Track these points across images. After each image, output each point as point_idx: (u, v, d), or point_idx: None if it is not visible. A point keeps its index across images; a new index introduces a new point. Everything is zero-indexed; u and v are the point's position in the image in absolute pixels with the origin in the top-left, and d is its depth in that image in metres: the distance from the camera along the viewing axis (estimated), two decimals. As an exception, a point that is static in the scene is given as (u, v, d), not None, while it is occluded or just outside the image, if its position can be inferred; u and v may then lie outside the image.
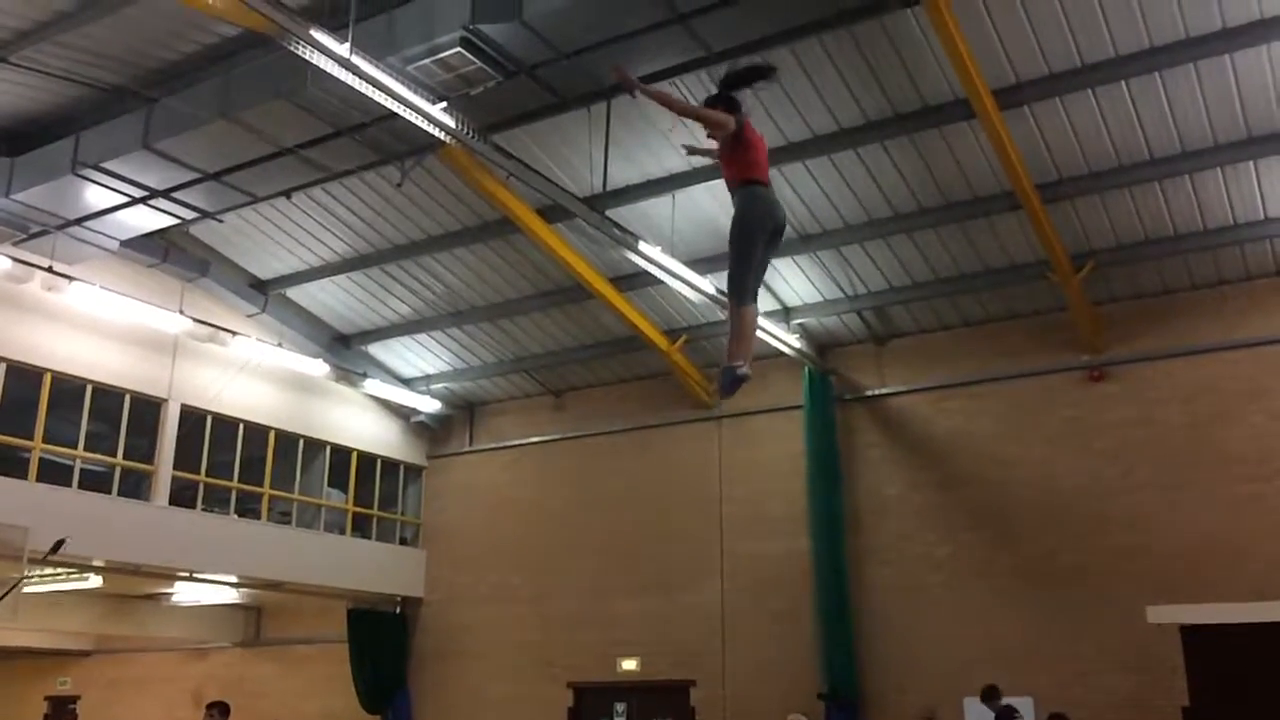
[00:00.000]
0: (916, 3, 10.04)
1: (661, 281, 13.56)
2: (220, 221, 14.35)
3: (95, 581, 16.74)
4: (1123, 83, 11.27)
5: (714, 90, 6.39)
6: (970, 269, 14.28)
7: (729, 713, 15.60)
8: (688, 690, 16.16)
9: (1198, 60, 10.87)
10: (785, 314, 15.45)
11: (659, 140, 12.75)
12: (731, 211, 6.14)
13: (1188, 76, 11.11)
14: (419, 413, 19.18)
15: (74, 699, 22.62)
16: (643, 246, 12.46)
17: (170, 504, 15.72)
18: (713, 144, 6.49)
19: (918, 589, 14.68)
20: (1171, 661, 12.76)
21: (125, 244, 14.07)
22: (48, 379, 14.50)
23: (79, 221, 13.23)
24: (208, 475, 16.40)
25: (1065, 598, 13.64)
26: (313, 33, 8.98)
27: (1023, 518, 14.25)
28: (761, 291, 15.75)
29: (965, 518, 14.67)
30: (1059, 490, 14.09)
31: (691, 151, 7.47)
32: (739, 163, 6.07)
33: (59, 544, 10.80)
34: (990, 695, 12.39)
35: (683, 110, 7.18)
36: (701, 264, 14.03)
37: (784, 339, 14.89)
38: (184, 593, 18.80)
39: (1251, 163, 12.06)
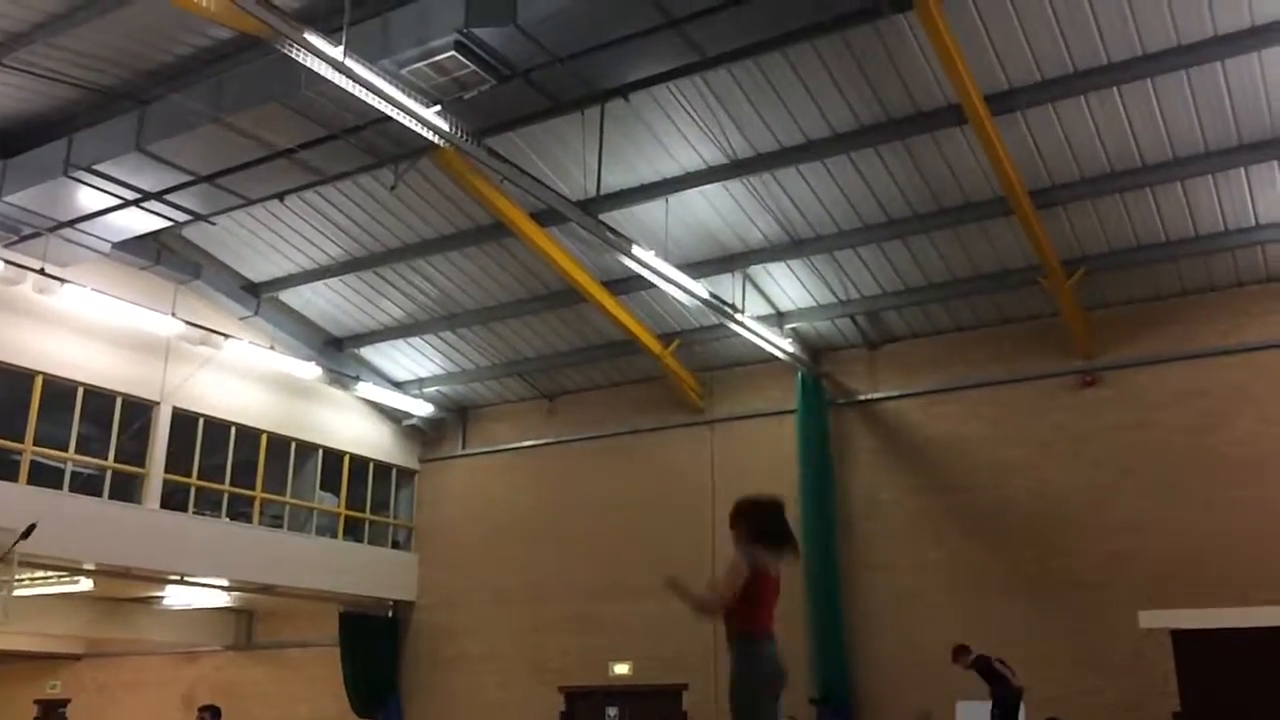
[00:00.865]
0: (909, 8, 10.06)
1: (655, 285, 13.56)
2: (213, 224, 14.32)
3: (86, 585, 16.68)
4: (1115, 89, 11.31)
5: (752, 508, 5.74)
6: (963, 274, 14.31)
7: (721, 717, 15.55)
8: (680, 694, 16.15)
9: (1189, 67, 10.92)
10: (778, 318, 15.47)
11: (653, 144, 12.77)
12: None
13: (1179, 83, 11.15)
14: (411, 416, 19.15)
15: (64, 702, 22.50)
16: (636, 250, 12.47)
17: (162, 507, 15.68)
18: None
19: (910, 594, 14.69)
20: (1163, 666, 12.79)
21: (117, 246, 14.04)
22: (39, 381, 14.46)
23: (71, 223, 13.20)
24: (199, 478, 16.36)
25: (1057, 602, 13.66)
26: (306, 35, 8.98)
27: (1015, 522, 14.28)
28: (756, 295, 15.85)
29: (958, 522, 14.69)
30: (1051, 495, 14.12)
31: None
32: (745, 610, 5.31)
33: (29, 529, 10.64)
34: (961, 653, 12.13)
35: (707, 607, 5.77)
36: (694, 268, 14.07)
37: (777, 343, 14.91)
38: (175, 596, 18.73)
39: (1243, 169, 12.11)
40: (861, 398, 15.82)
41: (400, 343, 17.90)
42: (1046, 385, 14.52)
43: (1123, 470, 13.76)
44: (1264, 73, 10.89)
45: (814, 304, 15.31)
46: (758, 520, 5.58)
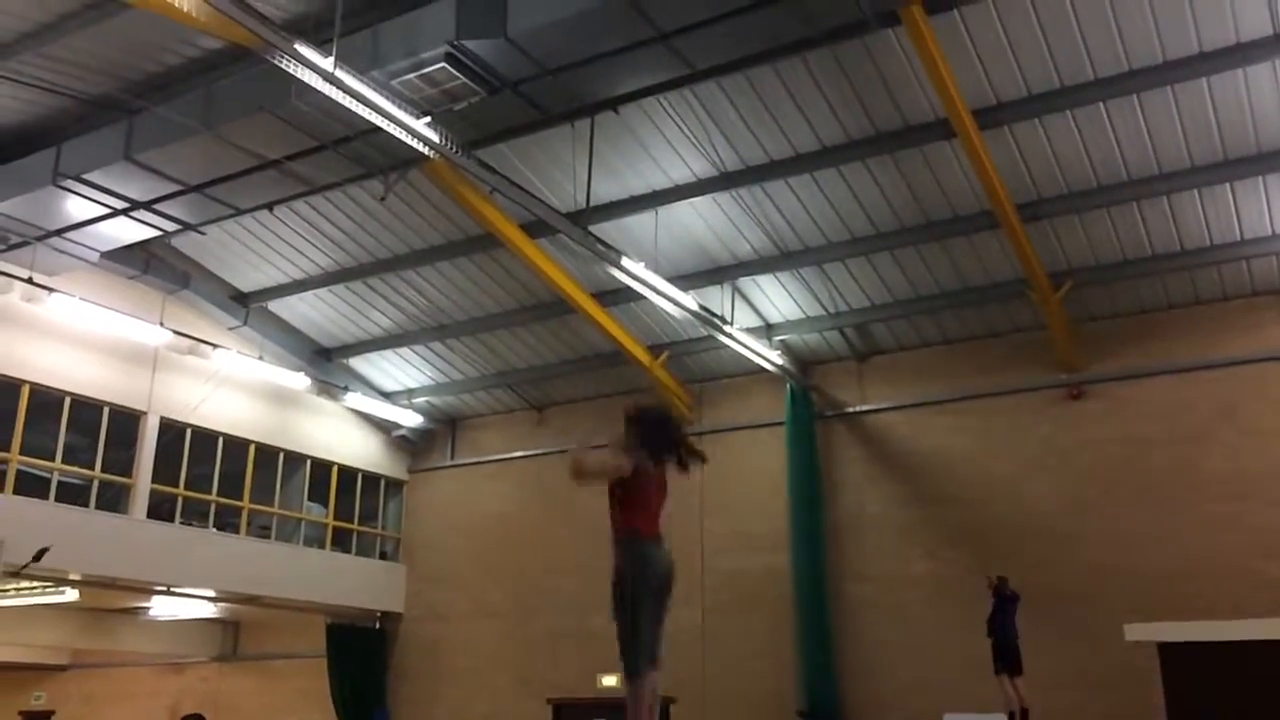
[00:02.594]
0: (898, 23, 10.12)
1: (644, 297, 13.58)
2: (202, 234, 14.30)
3: (71, 595, 16.63)
4: (1101, 104, 11.40)
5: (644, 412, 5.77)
6: (951, 287, 14.37)
7: (709, 729, 15.56)
8: (668, 707, 16.05)
9: (1175, 84, 11.02)
10: (767, 330, 15.50)
11: (642, 157, 12.81)
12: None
13: (1165, 99, 11.24)
14: (400, 427, 19.13)
15: (49, 714, 22.30)
16: (625, 262, 12.49)
17: (148, 517, 15.64)
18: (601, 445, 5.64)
19: (898, 605, 14.70)
20: (1149, 679, 12.77)
21: (106, 255, 14.02)
22: (26, 390, 14.40)
23: (59, 232, 13.17)
24: (187, 488, 16.30)
25: (1043, 615, 13.64)
26: (297, 47, 8.99)
27: (1002, 535, 14.30)
28: (745, 307, 15.89)
29: (945, 534, 14.72)
30: (1037, 507, 14.16)
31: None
32: (626, 510, 5.35)
33: (41, 552, 10.64)
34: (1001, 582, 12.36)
35: (591, 469, 5.60)
36: (684, 280, 14.10)
37: (766, 355, 14.94)
38: (161, 607, 18.67)
39: (1228, 185, 12.20)
40: (850, 410, 15.85)
41: (389, 353, 17.88)
42: (1033, 398, 14.58)
43: (1109, 483, 13.81)
44: (1249, 89, 10.98)
45: (802, 316, 15.35)
46: (643, 427, 5.64)
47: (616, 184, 13.26)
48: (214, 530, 16.79)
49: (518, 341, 17.09)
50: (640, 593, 5.24)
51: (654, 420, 5.75)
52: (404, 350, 17.75)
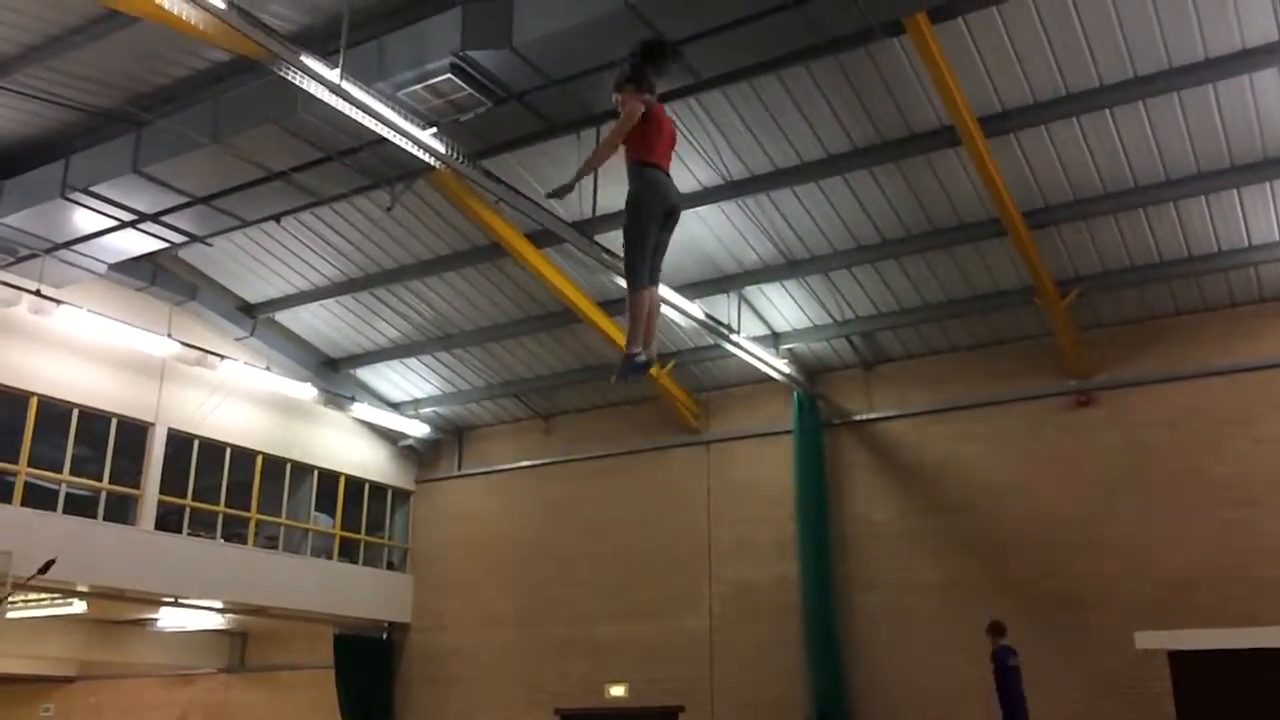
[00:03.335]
0: (902, 32, 10.13)
1: (650, 306, 13.55)
2: (209, 245, 14.32)
3: (79, 607, 16.64)
4: (1107, 111, 11.38)
5: (630, 71, 6.08)
6: (957, 295, 14.36)
7: (717, 739, 15.52)
8: (676, 716, 16.07)
9: (1181, 90, 11.00)
10: (774, 339, 15.50)
11: (648, 166, 12.80)
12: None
13: (1171, 106, 11.23)
14: (407, 437, 19.14)
15: (57, 725, 22.40)
16: (631, 271, 12.46)
17: (156, 528, 15.64)
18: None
19: (906, 615, 14.66)
20: (1159, 687, 12.73)
21: (113, 267, 14.06)
22: (34, 402, 14.44)
23: (67, 245, 13.20)
24: (194, 499, 16.32)
25: (1053, 623, 13.63)
26: (303, 58, 9.02)
27: (1010, 543, 14.27)
28: (751, 316, 15.89)
29: (953, 543, 14.67)
30: (1046, 515, 14.11)
31: (553, 194, 6.22)
32: (639, 143, 5.90)
33: (49, 564, 10.67)
34: (996, 630, 12.18)
35: (609, 145, 6.12)
36: (690, 289, 14.09)
37: (773, 364, 14.93)
38: (169, 618, 18.67)
39: (1235, 191, 12.18)
40: (857, 418, 15.83)
41: (396, 363, 17.90)
42: (1041, 405, 14.55)
43: (1117, 490, 13.77)
44: (1255, 95, 10.97)
45: (809, 324, 15.34)
46: (635, 66, 6.02)
47: (622, 193, 13.16)
48: (221, 541, 16.79)
49: (524, 351, 17.11)
50: (645, 214, 5.81)
51: (643, 54, 6.07)
52: (411, 360, 17.77)
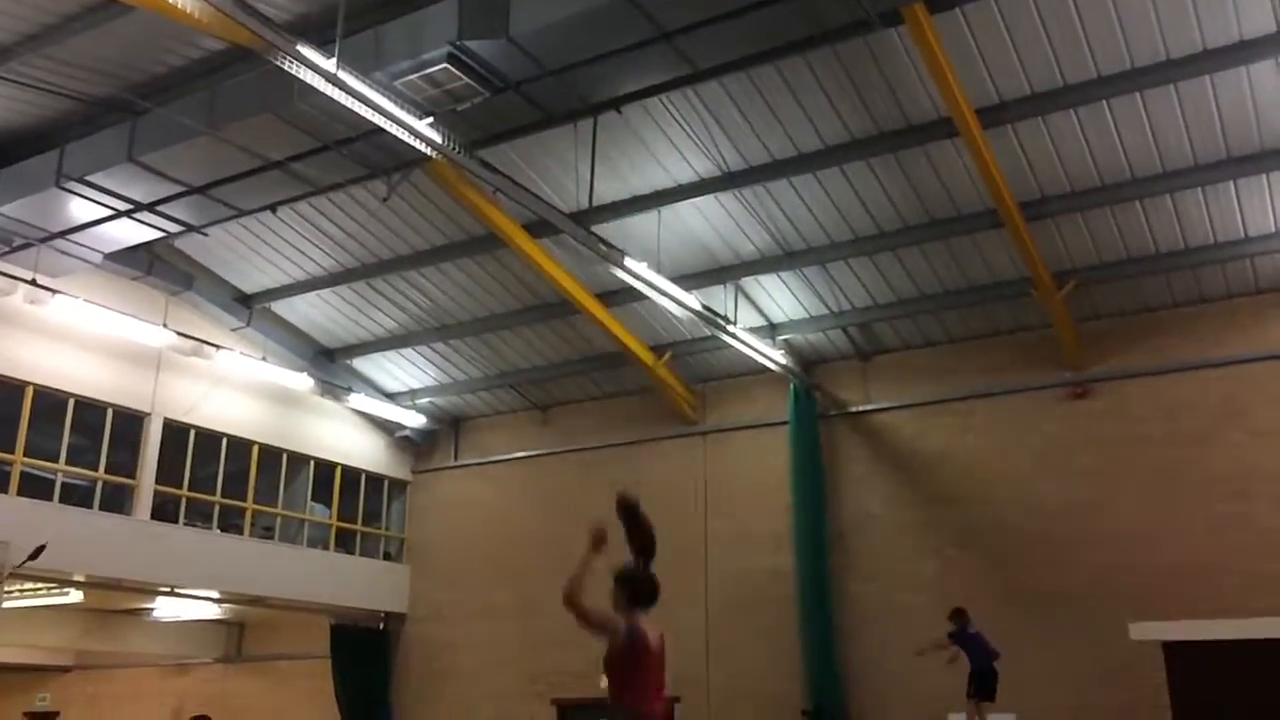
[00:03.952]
0: (900, 22, 10.11)
1: (647, 297, 13.58)
2: (205, 235, 14.29)
3: (76, 596, 16.63)
4: (1104, 103, 11.37)
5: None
6: (954, 286, 14.36)
7: (713, 729, 15.56)
8: (672, 707, 16.09)
9: (1178, 81, 10.99)
10: (771, 330, 15.49)
11: (645, 156, 12.80)
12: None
13: (1168, 97, 11.22)
14: (404, 427, 19.13)
15: (54, 715, 22.39)
16: (629, 262, 12.48)
17: (152, 518, 15.63)
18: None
19: (902, 606, 14.67)
20: (1154, 678, 12.78)
21: (109, 257, 14.02)
22: (30, 392, 14.41)
23: (63, 234, 13.16)
24: (190, 490, 16.32)
25: (1048, 614, 13.66)
26: (299, 48, 8.98)
27: (1006, 534, 14.29)
28: (748, 307, 15.90)
29: (949, 535, 14.70)
30: (1042, 507, 14.13)
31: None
32: (623, 680, 5.35)
33: (39, 549, 10.64)
34: (959, 616, 12.19)
35: (584, 614, 5.66)
36: (687, 280, 14.10)
37: (769, 355, 14.93)
38: (165, 608, 18.68)
39: (1231, 182, 12.17)
40: (853, 409, 15.84)
41: (392, 354, 17.89)
42: (1037, 397, 14.56)
43: (1113, 481, 13.79)
44: (1252, 87, 10.96)
45: (806, 315, 15.34)
46: (631, 585, 5.65)
47: (619, 184, 13.26)
48: (218, 531, 16.79)
49: (521, 342, 17.10)
50: None
51: (641, 580, 5.64)
52: (407, 351, 17.76)
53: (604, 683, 5.47)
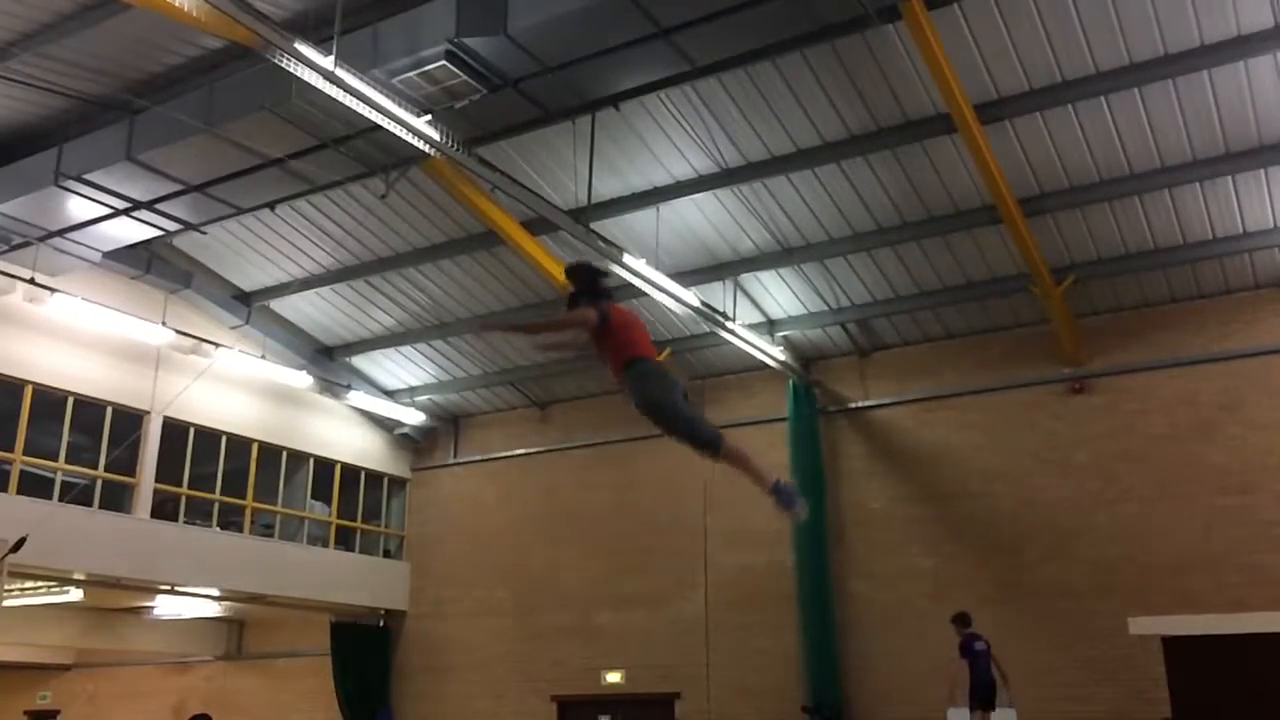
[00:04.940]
0: (898, 18, 10.11)
1: (646, 294, 13.57)
2: (204, 233, 14.30)
3: (76, 595, 16.64)
4: (1102, 98, 11.38)
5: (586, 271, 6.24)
6: (953, 282, 14.37)
7: (713, 725, 15.58)
8: (672, 703, 16.13)
9: (1176, 77, 10.99)
10: (769, 326, 15.50)
11: (643, 153, 12.80)
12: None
13: (1167, 93, 11.23)
14: (403, 425, 19.13)
15: (54, 713, 22.40)
16: (627, 259, 12.49)
17: (152, 516, 15.63)
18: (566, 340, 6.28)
19: (901, 602, 14.71)
20: (1153, 672, 12.83)
21: (108, 255, 14.03)
22: (29, 391, 14.41)
23: (61, 233, 13.17)
24: (190, 488, 16.32)
25: (1048, 609, 13.69)
26: (297, 45, 8.99)
27: (1006, 530, 14.31)
28: (747, 304, 15.88)
29: (949, 530, 14.72)
30: (1041, 502, 14.16)
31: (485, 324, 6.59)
32: (617, 347, 5.85)
33: (20, 542, 10.58)
34: (961, 620, 12.27)
35: (546, 327, 6.62)
36: (685, 276, 14.10)
37: (768, 351, 14.94)
38: (165, 606, 18.68)
39: (1230, 178, 12.18)
40: (852, 405, 15.85)
41: (392, 351, 17.89)
42: (1036, 392, 14.57)
43: (1112, 477, 13.81)
44: (1250, 81, 10.97)
45: (805, 312, 15.35)
46: (581, 272, 6.14)
47: (618, 180, 13.26)
48: (217, 529, 16.80)
49: (520, 339, 17.06)
50: (667, 397, 5.73)
51: (586, 276, 6.13)
52: (406, 348, 17.76)
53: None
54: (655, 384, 5.76)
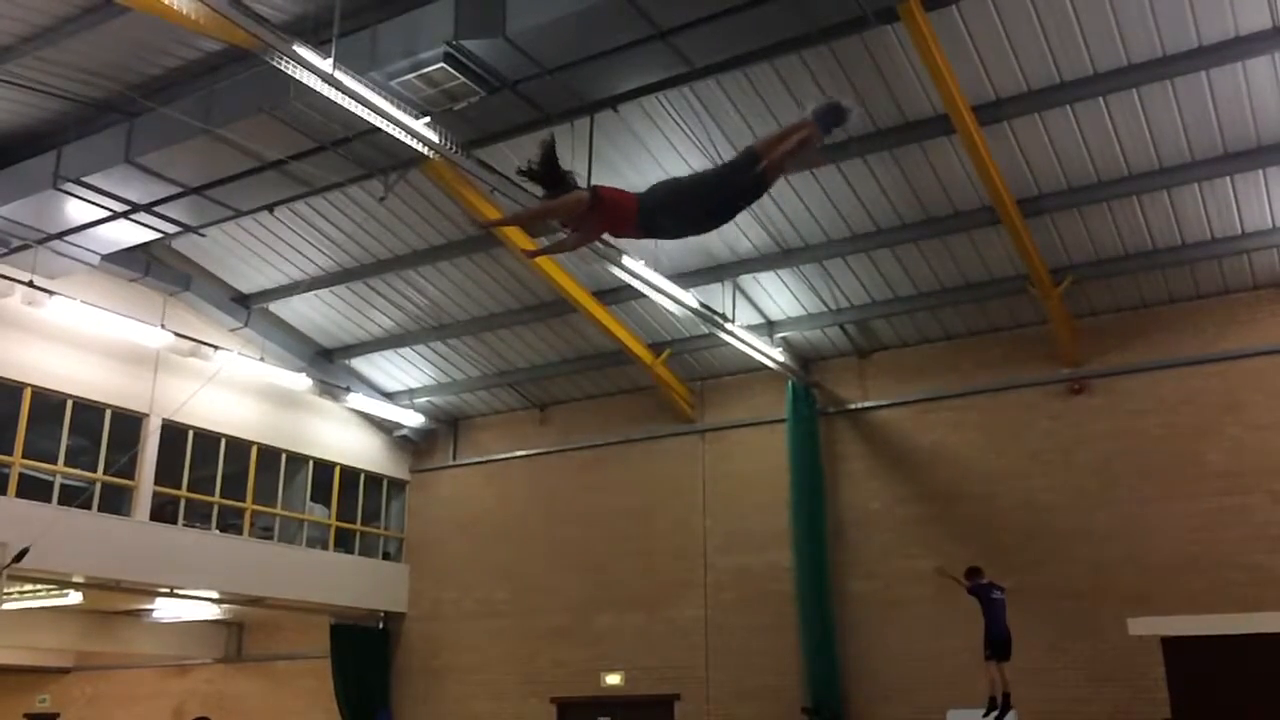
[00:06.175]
0: (896, 20, 10.12)
1: (645, 295, 13.60)
2: (202, 236, 14.32)
3: (75, 598, 16.62)
4: (1101, 99, 11.38)
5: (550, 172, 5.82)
6: (951, 283, 14.38)
7: (713, 727, 15.58)
8: (672, 705, 16.12)
9: (1174, 78, 11.00)
10: (768, 327, 15.50)
11: (642, 155, 12.81)
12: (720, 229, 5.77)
13: (1165, 94, 11.23)
14: (402, 427, 19.13)
15: (54, 716, 22.39)
16: (626, 260, 12.50)
17: (151, 519, 15.63)
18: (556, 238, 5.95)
19: (901, 602, 14.71)
20: (1153, 673, 12.84)
21: (107, 258, 14.03)
22: (28, 394, 14.41)
23: (60, 236, 13.18)
24: (189, 490, 16.33)
25: (1047, 610, 13.68)
26: (296, 48, 9.01)
27: (1005, 530, 14.31)
28: (746, 305, 15.87)
29: (948, 531, 14.71)
30: (1040, 503, 14.16)
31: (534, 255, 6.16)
32: (619, 207, 5.59)
33: (23, 553, 10.62)
34: (974, 573, 12.28)
35: (537, 214, 6.24)
36: (684, 278, 14.11)
37: (767, 352, 14.95)
38: (165, 609, 18.67)
39: (1228, 178, 12.19)
40: (851, 406, 15.86)
41: (390, 353, 17.89)
42: (1035, 393, 14.58)
43: (1111, 477, 13.82)
44: (1248, 82, 10.97)
45: (804, 313, 15.36)
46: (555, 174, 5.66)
47: (617, 182, 13.11)
48: (217, 532, 16.79)
49: (519, 341, 17.10)
50: (684, 179, 5.74)
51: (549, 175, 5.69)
52: (405, 350, 17.76)
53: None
54: (663, 186, 5.64)
